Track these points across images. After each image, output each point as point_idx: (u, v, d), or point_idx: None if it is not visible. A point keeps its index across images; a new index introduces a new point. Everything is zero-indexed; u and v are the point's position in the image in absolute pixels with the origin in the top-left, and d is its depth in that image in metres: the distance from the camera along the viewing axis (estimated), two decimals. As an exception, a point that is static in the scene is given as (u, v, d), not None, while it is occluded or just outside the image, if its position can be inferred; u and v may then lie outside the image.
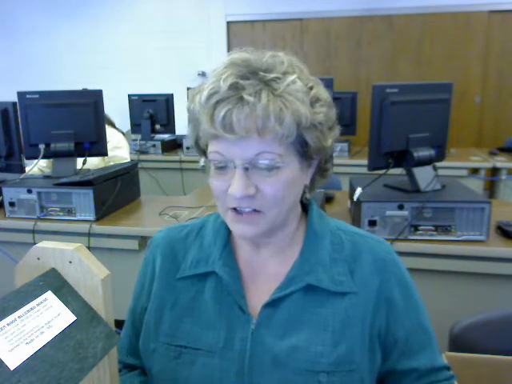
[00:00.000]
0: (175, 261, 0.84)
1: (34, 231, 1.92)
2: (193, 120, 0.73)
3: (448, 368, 0.83)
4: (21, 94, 2.14)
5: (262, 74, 0.68)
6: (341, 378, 0.72)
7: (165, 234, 0.88)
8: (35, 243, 0.59)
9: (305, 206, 0.85)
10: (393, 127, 1.70)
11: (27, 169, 2.24)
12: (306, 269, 0.77)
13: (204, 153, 0.76)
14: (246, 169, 0.68)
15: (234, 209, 0.72)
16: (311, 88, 0.72)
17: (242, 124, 0.65)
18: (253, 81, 0.67)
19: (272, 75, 0.68)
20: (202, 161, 0.75)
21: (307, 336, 0.74)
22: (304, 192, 0.80)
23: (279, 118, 0.66)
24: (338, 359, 0.72)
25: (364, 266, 0.79)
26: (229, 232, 0.82)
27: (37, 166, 2.40)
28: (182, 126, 3.98)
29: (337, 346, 0.73)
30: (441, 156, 1.82)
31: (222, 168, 0.70)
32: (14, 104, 2.09)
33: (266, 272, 0.80)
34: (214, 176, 0.72)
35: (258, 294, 0.78)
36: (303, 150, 0.72)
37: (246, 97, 0.65)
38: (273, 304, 0.76)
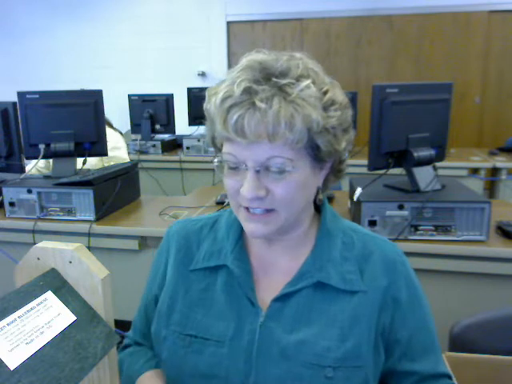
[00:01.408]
0: (189, 252, 0.86)
1: (34, 231, 1.92)
2: (209, 119, 0.76)
3: (450, 377, 0.83)
4: (21, 94, 2.14)
5: (274, 80, 0.69)
6: (347, 373, 0.73)
7: (180, 226, 0.91)
8: (35, 243, 0.59)
9: (318, 206, 0.86)
10: (393, 127, 1.70)
11: (27, 168, 2.24)
12: (317, 266, 0.79)
13: (220, 150, 0.78)
14: (258, 171, 0.70)
15: (246, 207, 0.74)
16: (326, 92, 0.72)
17: (252, 129, 0.67)
18: (266, 86, 0.68)
19: (286, 81, 0.69)
20: (216, 161, 0.76)
21: (315, 331, 0.75)
22: (317, 193, 0.81)
23: (290, 124, 0.67)
24: (345, 355, 0.73)
25: (374, 265, 0.80)
26: (241, 227, 0.84)
27: (35, 167, 2.40)
28: (181, 126, 3.99)
29: (344, 341, 0.74)
30: (441, 156, 1.82)
31: (234, 168, 0.73)
32: (14, 104, 2.09)
33: (277, 267, 0.82)
34: (228, 175, 0.74)
35: (269, 289, 0.80)
36: (315, 153, 0.73)
37: (257, 103, 0.67)
38: (282, 299, 0.78)
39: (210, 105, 0.73)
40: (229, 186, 0.74)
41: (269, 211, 0.73)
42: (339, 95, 0.75)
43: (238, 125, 0.67)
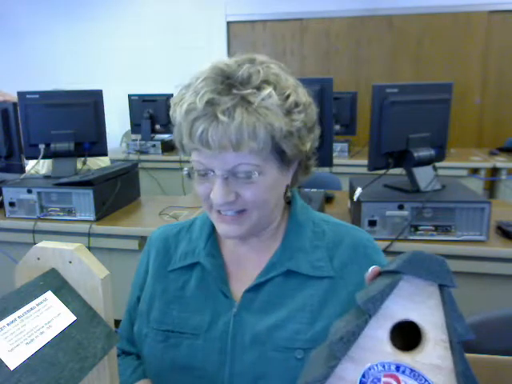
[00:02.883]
0: (167, 255, 0.90)
1: (34, 231, 1.92)
2: (176, 127, 0.77)
3: None
4: (21, 94, 2.14)
5: (235, 91, 0.70)
6: None
7: (160, 231, 0.95)
8: (35, 243, 0.59)
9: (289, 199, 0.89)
10: (393, 127, 1.70)
11: (27, 168, 2.24)
12: (287, 255, 0.81)
13: (189, 155, 0.80)
14: (226, 178, 0.72)
15: (218, 210, 0.77)
16: (288, 96, 0.73)
17: (216, 142, 0.69)
18: (228, 97, 0.69)
19: (247, 91, 0.70)
20: (186, 169, 0.78)
21: (286, 315, 0.78)
22: (286, 190, 0.83)
23: (253, 134, 0.68)
24: (314, 336, 0.76)
25: (344, 251, 0.82)
26: (213, 225, 0.86)
27: (33, 168, 2.40)
28: (182, 126, 3.98)
29: (313, 324, 0.77)
30: (441, 156, 1.82)
31: (204, 175, 0.75)
32: (14, 104, 2.09)
33: (249, 260, 0.85)
34: (198, 181, 0.77)
35: (242, 281, 0.83)
36: (281, 157, 0.75)
37: (219, 116, 0.68)
38: (254, 289, 0.81)
39: (176, 114, 0.74)
40: (200, 192, 0.77)
41: (240, 212, 0.75)
42: (302, 96, 0.76)
43: (203, 137, 0.69)
